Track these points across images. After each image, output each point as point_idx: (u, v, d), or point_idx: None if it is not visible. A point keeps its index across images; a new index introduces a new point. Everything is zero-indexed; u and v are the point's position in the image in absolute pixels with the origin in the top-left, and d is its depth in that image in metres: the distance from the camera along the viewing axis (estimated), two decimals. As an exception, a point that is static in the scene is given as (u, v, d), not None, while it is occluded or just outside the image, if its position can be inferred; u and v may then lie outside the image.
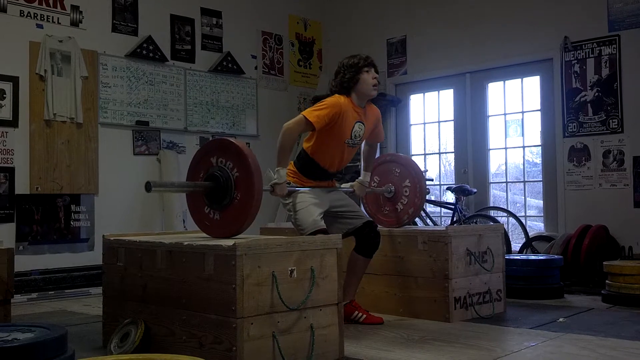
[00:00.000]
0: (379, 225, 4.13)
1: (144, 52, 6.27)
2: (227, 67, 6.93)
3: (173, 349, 2.86)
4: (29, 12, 5.59)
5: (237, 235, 3.14)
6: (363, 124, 3.82)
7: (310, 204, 3.71)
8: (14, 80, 5.47)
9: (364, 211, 4.24)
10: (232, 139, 3.22)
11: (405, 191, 4.31)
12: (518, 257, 5.17)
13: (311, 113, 3.63)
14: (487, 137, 6.79)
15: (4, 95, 5.42)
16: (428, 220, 6.61)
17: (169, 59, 6.51)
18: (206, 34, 6.86)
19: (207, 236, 3.27)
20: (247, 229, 3.13)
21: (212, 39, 6.90)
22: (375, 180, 4.42)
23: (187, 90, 6.66)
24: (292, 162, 3.87)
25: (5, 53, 5.45)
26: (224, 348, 2.67)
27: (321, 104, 3.69)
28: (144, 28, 6.32)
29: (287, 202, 3.78)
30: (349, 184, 4.18)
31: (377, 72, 3.83)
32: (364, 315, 3.89)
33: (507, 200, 6.71)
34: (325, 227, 3.69)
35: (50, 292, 5.38)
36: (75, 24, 5.87)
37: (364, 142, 4.06)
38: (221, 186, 3.12)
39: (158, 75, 6.42)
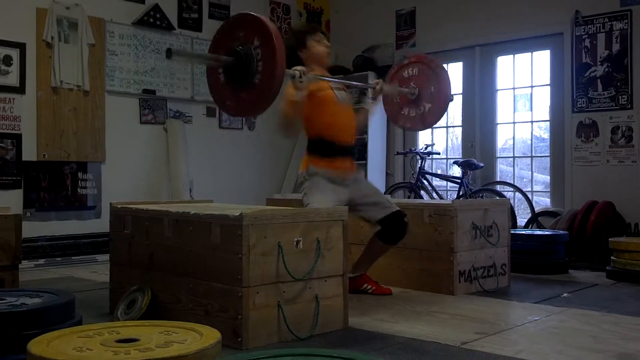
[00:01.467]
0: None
1: (151, 20, 6.23)
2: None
3: (179, 316, 2.89)
4: (36, -22, 5.55)
5: (258, 114, 3.18)
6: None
7: (327, 190, 3.58)
8: (21, 47, 5.45)
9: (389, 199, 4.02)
10: (255, 14, 3.11)
11: (430, 93, 4.15)
12: (523, 232, 5.17)
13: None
14: (495, 111, 6.75)
15: (11, 62, 5.41)
16: (434, 194, 6.60)
17: (176, 28, 6.47)
18: (213, 2, 6.80)
19: (213, 206, 3.27)
20: (257, 207, 3.13)
21: (220, 8, 6.85)
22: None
23: (195, 60, 6.62)
24: (304, 156, 3.77)
25: (13, 20, 5.42)
26: (230, 316, 2.70)
27: None
28: (152, -4, 6.28)
29: (304, 181, 3.67)
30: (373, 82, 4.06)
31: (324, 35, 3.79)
32: (373, 287, 3.91)
33: (513, 175, 6.70)
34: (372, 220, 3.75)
35: (57, 259, 5.42)
36: (82, -10, 5.83)
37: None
38: (243, 62, 3.02)
39: (165, 44, 6.37)
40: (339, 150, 3.69)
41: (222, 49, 3.16)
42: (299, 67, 3.32)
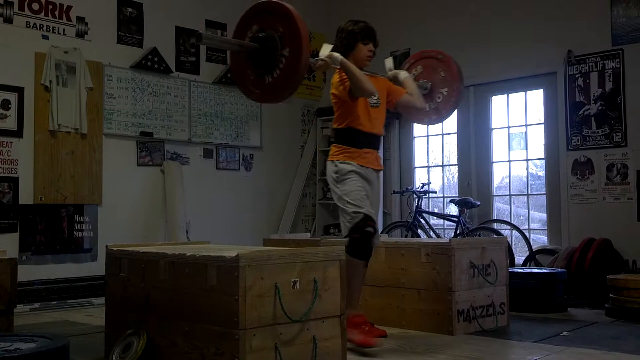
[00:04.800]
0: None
1: (149, 63, 6.30)
2: (231, 79, 6.95)
3: (175, 360, 2.86)
4: (34, 23, 5.62)
5: (280, 101, 3.26)
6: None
7: (362, 186, 3.63)
8: (19, 91, 5.50)
9: None
10: (279, 1, 3.16)
11: (443, 78, 4.22)
12: (521, 270, 5.15)
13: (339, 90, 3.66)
14: (491, 149, 6.79)
15: (9, 106, 5.45)
16: (431, 233, 6.60)
17: (174, 71, 6.54)
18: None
19: (209, 247, 3.27)
20: (254, 248, 3.13)
21: (217, 51, 6.93)
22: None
23: (192, 102, 6.68)
24: (332, 147, 3.80)
25: (11, 64, 5.48)
26: (226, 359, 2.67)
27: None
28: (149, 40, 6.36)
29: (335, 170, 3.67)
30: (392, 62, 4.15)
31: (375, 45, 3.77)
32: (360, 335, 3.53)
33: (510, 213, 6.70)
34: (376, 222, 3.62)
35: (52, 302, 5.38)
36: (80, 35, 5.90)
37: (399, 102, 3.95)
38: (267, 48, 3.05)
39: (163, 87, 6.44)
40: (370, 139, 3.75)
41: (245, 36, 3.20)
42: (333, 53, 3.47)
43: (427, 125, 4.28)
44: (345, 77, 3.59)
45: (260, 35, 3.11)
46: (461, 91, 4.29)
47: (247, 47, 3.14)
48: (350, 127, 3.71)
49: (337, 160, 3.71)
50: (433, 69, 4.28)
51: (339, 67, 3.56)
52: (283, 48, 3.04)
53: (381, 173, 4.02)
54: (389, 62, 4.19)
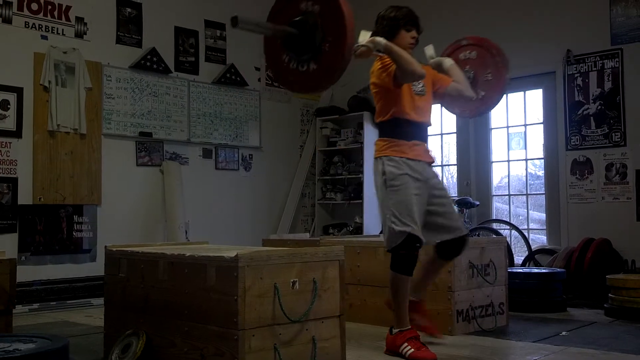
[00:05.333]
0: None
1: (148, 63, 6.30)
2: (230, 79, 6.95)
3: (174, 360, 2.86)
4: (33, 24, 5.62)
5: (321, 90, 2.99)
6: None
7: (412, 194, 3.33)
8: (18, 91, 5.49)
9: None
10: None
11: (486, 80, 3.88)
12: (521, 270, 5.15)
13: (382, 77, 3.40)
14: (490, 149, 6.79)
15: (8, 106, 5.45)
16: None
17: (173, 71, 6.54)
18: (210, 45, 6.89)
19: (208, 248, 3.26)
20: (253, 248, 3.12)
21: (216, 51, 6.93)
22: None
23: (191, 102, 6.68)
24: (377, 142, 3.52)
25: (10, 64, 5.47)
26: (226, 360, 2.67)
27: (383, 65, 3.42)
28: (148, 40, 6.35)
29: (382, 171, 3.39)
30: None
31: (418, 31, 3.51)
32: (412, 349, 3.30)
33: (509, 213, 6.70)
34: (422, 237, 3.31)
35: (52, 303, 5.38)
36: (79, 35, 5.90)
37: (447, 90, 3.65)
38: (306, 32, 2.86)
39: (162, 87, 6.44)
40: (418, 129, 3.48)
41: (281, 20, 2.97)
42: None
43: (470, 117, 4.00)
44: (387, 62, 3.34)
45: (298, 19, 2.87)
46: (494, 106, 4.03)
47: (285, 32, 2.91)
48: (395, 118, 3.43)
49: (385, 156, 3.41)
50: (484, 65, 3.92)
51: (382, 53, 3.31)
52: (324, 33, 2.81)
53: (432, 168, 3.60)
54: (430, 50, 3.86)
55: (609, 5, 5.86)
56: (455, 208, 6.40)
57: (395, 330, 3.38)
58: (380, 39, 3.30)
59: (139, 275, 3.21)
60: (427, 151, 3.54)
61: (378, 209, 3.54)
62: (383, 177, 3.38)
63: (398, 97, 3.41)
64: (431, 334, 3.60)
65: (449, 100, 3.88)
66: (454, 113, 4.12)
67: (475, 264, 4.09)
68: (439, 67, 3.74)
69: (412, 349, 3.26)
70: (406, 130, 3.42)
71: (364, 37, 3.31)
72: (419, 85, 3.51)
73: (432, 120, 3.62)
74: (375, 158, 3.47)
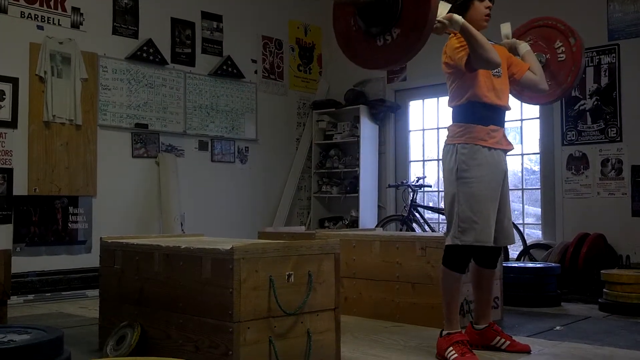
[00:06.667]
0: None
1: (144, 55, 6.27)
2: (227, 71, 6.94)
3: (169, 352, 2.85)
4: (29, 14, 5.59)
5: (399, 65, 2.81)
6: None
7: (486, 187, 3.10)
8: (14, 82, 5.47)
9: None
10: None
11: (559, 64, 3.60)
12: (515, 265, 5.16)
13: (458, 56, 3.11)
14: (486, 144, 6.78)
15: (4, 96, 5.42)
16: (426, 227, 6.60)
17: (169, 62, 6.51)
18: (206, 37, 6.87)
19: (204, 240, 3.26)
20: (248, 241, 3.11)
21: (213, 43, 6.91)
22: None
23: (187, 94, 6.66)
24: (451, 127, 3.27)
25: (6, 54, 5.45)
26: (220, 352, 2.67)
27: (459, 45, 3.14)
28: (145, 31, 6.33)
29: (455, 159, 3.15)
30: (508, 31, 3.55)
31: (492, 1, 3.27)
32: (508, 342, 3.29)
33: (505, 207, 6.70)
34: (491, 237, 3.10)
35: (46, 294, 5.37)
36: (75, 25, 5.87)
37: (523, 80, 3.39)
38: (384, 2, 2.68)
39: (158, 78, 6.42)
40: (497, 112, 3.23)
41: None
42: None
43: (539, 104, 3.83)
44: (465, 43, 3.06)
45: None
46: (582, 68, 3.65)
47: (361, 1, 2.73)
48: (472, 101, 3.16)
49: (460, 143, 3.15)
50: (548, 41, 3.62)
51: (457, 31, 3.05)
52: (405, 3, 2.61)
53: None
54: (506, 28, 3.57)
55: (606, 1, 5.86)
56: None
57: (444, 333, 3.19)
58: (459, 18, 3.02)
59: (134, 267, 3.21)
60: (506, 137, 3.28)
61: (444, 198, 3.29)
62: (455, 166, 3.14)
63: (475, 79, 3.16)
64: (519, 351, 3.28)
65: (519, 89, 3.61)
66: (522, 101, 3.86)
67: (471, 258, 4.08)
68: (513, 50, 3.51)
69: (456, 354, 3.03)
70: (484, 115, 3.17)
71: (443, 10, 3.03)
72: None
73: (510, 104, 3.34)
74: (447, 144, 3.23)
